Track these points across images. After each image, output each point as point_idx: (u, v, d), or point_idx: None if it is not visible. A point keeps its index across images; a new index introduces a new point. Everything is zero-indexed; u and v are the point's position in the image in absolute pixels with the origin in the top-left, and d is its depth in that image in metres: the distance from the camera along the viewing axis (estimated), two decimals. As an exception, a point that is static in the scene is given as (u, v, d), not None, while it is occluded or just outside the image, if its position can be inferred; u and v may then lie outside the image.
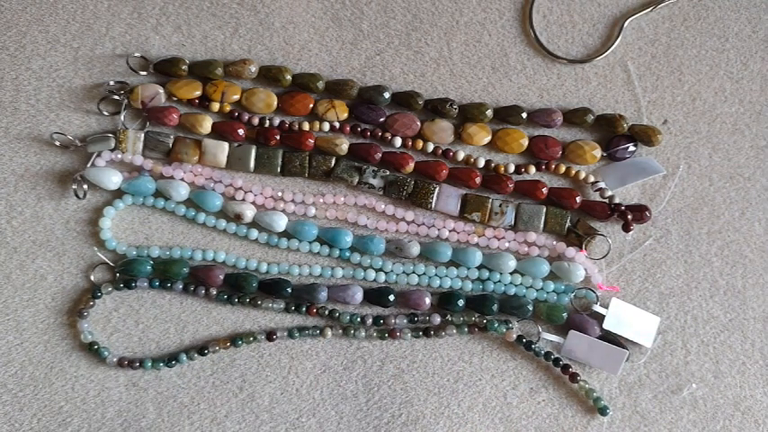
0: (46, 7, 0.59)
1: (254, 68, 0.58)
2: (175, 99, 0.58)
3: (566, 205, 0.58)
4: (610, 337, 0.57)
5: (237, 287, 0.57)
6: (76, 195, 0.57)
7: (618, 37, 0.59)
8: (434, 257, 0.58)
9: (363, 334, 0.58)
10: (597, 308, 0.57)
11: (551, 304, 0.57)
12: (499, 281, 0.58)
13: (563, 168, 0.58)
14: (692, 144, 0.59)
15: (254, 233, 0.58)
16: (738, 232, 0.59)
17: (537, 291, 0.58)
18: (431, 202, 0.58)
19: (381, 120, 0.58)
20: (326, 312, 0.57)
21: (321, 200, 0.58)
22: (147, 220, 0.59)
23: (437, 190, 0.58)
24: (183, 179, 0.58)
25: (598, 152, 0.58)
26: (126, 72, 0.59)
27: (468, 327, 0.57)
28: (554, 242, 0.58)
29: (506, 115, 0.58)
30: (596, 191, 0.57)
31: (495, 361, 0.58)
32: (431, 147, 0.58)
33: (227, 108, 0.58)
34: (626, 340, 0.57)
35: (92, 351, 0.57)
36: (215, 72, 0.58)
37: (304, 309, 0.57)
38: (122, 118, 0.58)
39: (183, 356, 0.57)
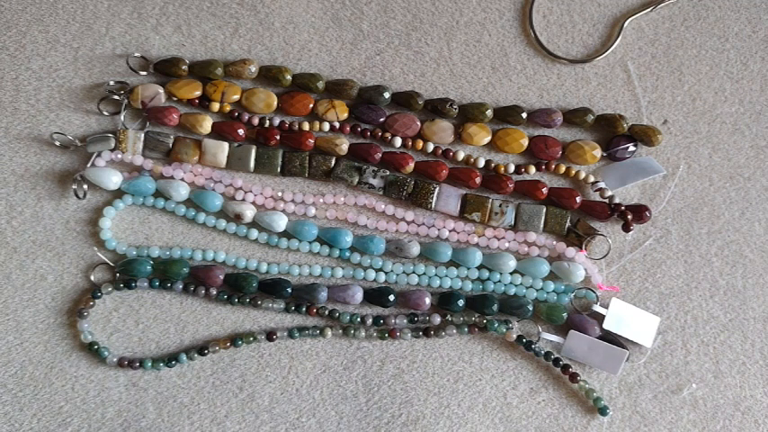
0: (46, 7, 0.59)
1: (254, 68, 0.58)
2: (175, 99, 0.58)
3: (566, 205, 0.58)
4: (610, 337, 0.57)
5: (237, 287, 0.57)
6: (76, 195, 0.57)
7: (618, 37, 0.59)
8: (434, 257, 0.58)
9: (363, 334, 0.58)
10: (597, 308, 0.57)
11: (551, 304, 0.57)
12: (499, 281, 0.58)
13: (563, 168, 0.58)
14: (692, 144, 0.59)
15: (254, 233, 0.58)
16: (738, 232, 0.59)
17: (537, 291, 0.58)
18: (431, 202, 0.58)
19: (381, 120, 0.58)
20: (326, 312, 0.58)
21: (321, 200, 0.58)
22: (147, 220, 0.59)
23: (437, 190, 0.58)
24: (183, 179, 0.58)
25: (598, 152, 0.58)
26: (126, 72, 0.59)
27: (469, 327, 0.57)
28: (554, 242, 0.58)
29: (506, 115, 0.58)
30: (596, 191, 0.57)
31: (495, 361, 0.58)
32: (431, 147, 0.58)
33: (227, 108, 0.58)
34: (626, 340, 0.57)
35: (92, 351, 0.57)
36: (215, 72, 0.58)
37: (304, 309, 0.57)
38: (122, 118, 0.58)
39: (183, 356, 0.57)
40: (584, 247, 0.57)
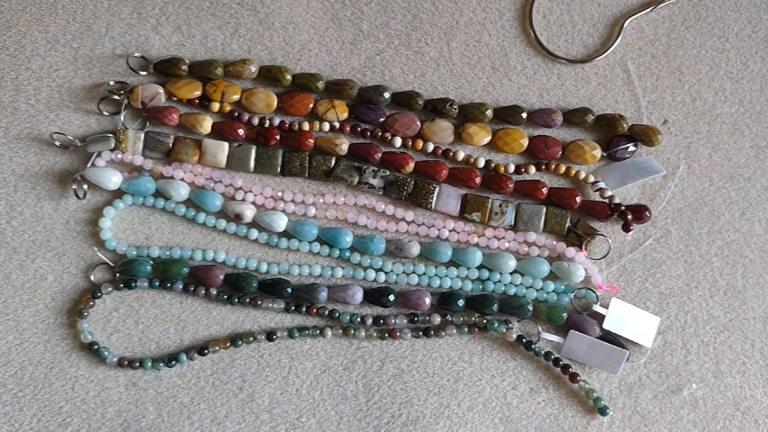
0: (46, 7, 0.59)
1: (254, 68, 0.58)
2: (175, 99, 0.58)
3: (566, 205, 0.58)
4: (610, 337, 0.57)
5: (237, 287, 0.57)
6: (76, 195, 0.57)
7: (618, 37, 0.59)
8: (434, 257, 0.58)
9: (363, 334, 0.58)
10: (597, 308, 0.57)
11: (551, 304, 0.57)
12: (499, 281, 0.58)
13: (563, 168, 0.58)
14: (692, 144, 0.59)
15: (254, 233, 0.58)
16: (738, 232, 0.59)
17: (537, 291, 0.58)
18: (431, 202, 0.58)
19: (381, 120, 0.58)
20: (326, 312, 0.58)
21: (321, 200, 0.58)
22: (147, 220, 0.59)
23: (437, 190, 0.58)
24: (183, 179, 0.58)
25: (598, 152, 0.58)
26: (126, 72, 0.59)
27: (469, 327, 0.57)
28: (554, 242, 0.58)
29: (506, 115, 0.58)
30: (596, 191, 0.57)
31: (495, 361, 0.58)
32: (431, 147, 0.58)
33: (227, 108, 0.58)
34: (626, 340, 0.57)
35: (92, 351, 0.57)
36: (215, 72, 0.58)
37: (304, 309, 0.57)
38: (122, 118, 0.58)
39: (183, 356, 0.57)
40: (584, 247, 0.57)
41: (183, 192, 0.58)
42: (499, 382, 0.58)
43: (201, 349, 0.57)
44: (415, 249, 0.58)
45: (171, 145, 0.58)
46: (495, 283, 0.58)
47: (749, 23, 0.60)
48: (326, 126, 0.58)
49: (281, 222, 0.57)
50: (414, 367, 0.58)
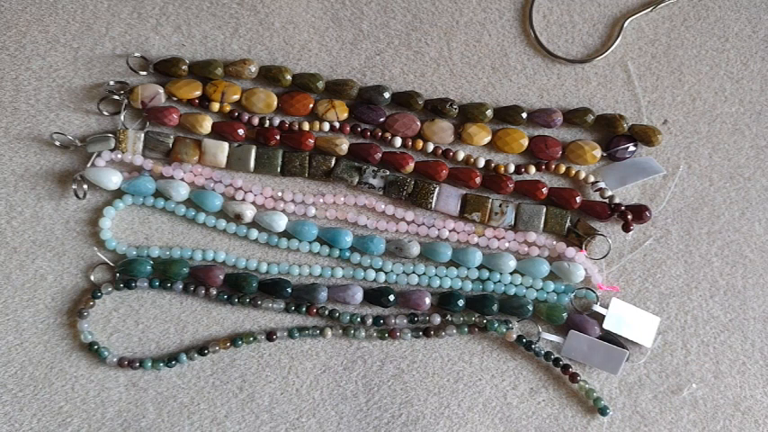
0: (46, 7, 0.59)
1: (254, 68, 0.58)
2: (175, 99, 0.58)
3: (566, 205, 0.58)
4: (610, 337, 0.57)
5: (237, 287, 0.57)
6: (76, 195, 0.57)
7: (618, 37, 0.59)
8: (434, 257, 0.58)
9: (363, 334, 0.58)
10: (597, 308, 0.57)
11: (551, 304, 0.57)
12: (499, 281, 0.58)
13: (563, 168, 0.58)
14: (692, 144, 0.59)
15: (254, 233, 0.58)
16: (738, 232, 0.59)
17: (537, 291, 0.58)
18: (431, 202, 0.58)
19: (381, 120, 0.58)
20: (326, 312, 0.58)
21: (321, 200, 0.58)
22: (147, 220, 0.59)
23: (437, 190, 0.58)
24: (183, 179, 0.58)
25: (598, 152, 0.58)
26: (126, 72, 0.59)
27: (469, 327, 0.57)
28: (554, 242, 0.58)
29: (506, 115, 0.58)
30: (596, 191, 0.57)
31: (495, 361, 0.58)
32: (431, 147, 0.58)
33: (227, 108, 0.58)
34: (626, 340, 0.57)
35: (92, 351, 0.57)
36: (215, 72, 0.58)
37: (304, 309, 0.57)
38: (122, 118, 0.58)
39: (183, 356, 0.57)
40: (584, 247, 0.57)
41: (183, 192, 0.58)
42: (499, 382, 0.58)
43: (201, 349, 0.57)
44: (415, 249, 0.58)
45: (171, 145, 0.58)
46: (495, 283, 0.58)
47: (749, 23, 0.60)
48: (326, 126, 0.58)
49: (281, 222, 0.57)
50: (414, 367, 0.58)
